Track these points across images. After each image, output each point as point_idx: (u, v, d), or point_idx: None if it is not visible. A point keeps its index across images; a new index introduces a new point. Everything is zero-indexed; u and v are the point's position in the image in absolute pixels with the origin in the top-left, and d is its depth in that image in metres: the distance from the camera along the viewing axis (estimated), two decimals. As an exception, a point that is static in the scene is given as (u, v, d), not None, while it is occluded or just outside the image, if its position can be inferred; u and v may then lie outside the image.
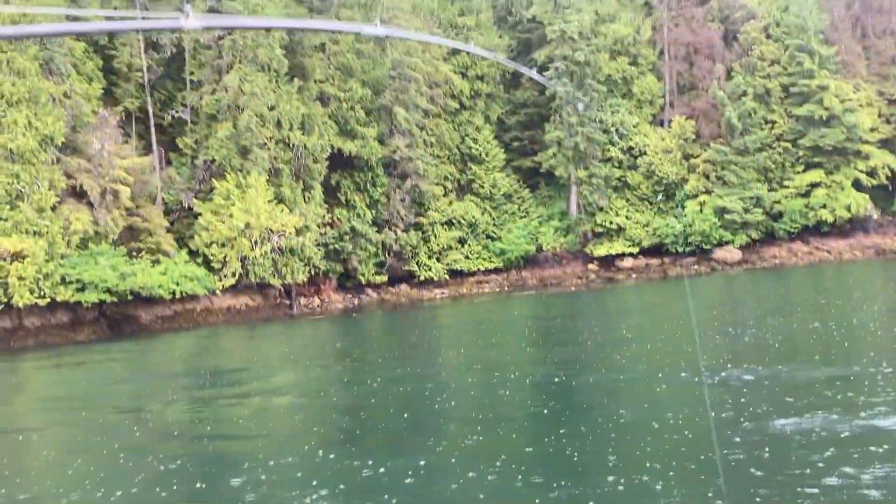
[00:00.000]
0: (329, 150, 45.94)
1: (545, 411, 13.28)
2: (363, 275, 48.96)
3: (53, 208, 35.57)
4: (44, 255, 34.16)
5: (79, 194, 37.40)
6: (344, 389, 17.61)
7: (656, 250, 53.96)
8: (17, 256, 33.59)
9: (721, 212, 51.62)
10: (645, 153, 54.38)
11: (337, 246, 47.16)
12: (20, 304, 33.69)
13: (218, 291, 40.60)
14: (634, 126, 54.99)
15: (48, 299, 34.49)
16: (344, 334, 32.92)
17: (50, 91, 36.40)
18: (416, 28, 51.87)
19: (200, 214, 41.22)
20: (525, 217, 55.77)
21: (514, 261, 53.72)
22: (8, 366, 28.40)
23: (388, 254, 50.06)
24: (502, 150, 56.50)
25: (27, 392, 22.18)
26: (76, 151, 37.78)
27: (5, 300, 33.49)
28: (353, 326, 36.33)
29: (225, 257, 40.46)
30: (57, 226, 35.18)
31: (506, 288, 51.01)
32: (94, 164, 37.76)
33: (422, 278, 51.76)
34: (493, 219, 54.98)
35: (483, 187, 55.17)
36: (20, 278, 33.50)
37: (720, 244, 52.44)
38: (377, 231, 49.19)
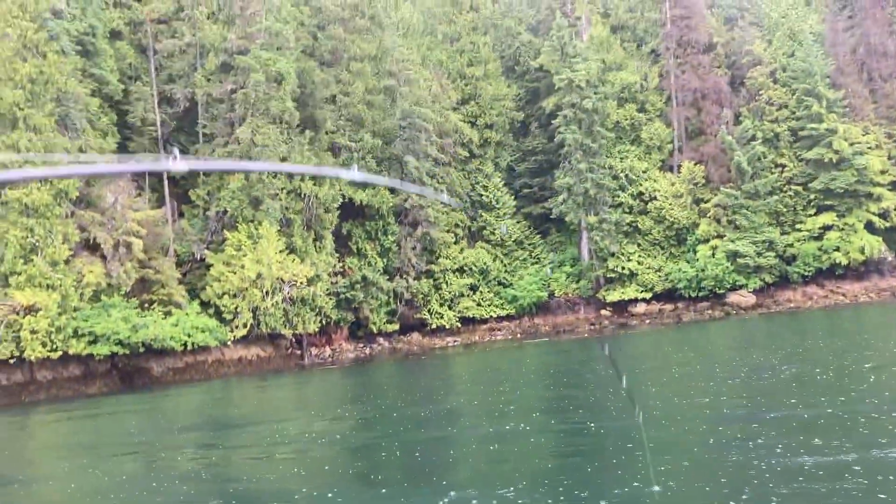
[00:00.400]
0: (340, 200, 46.26)
1: (557, 458, 13.02)
2: (374, 323, 48.81)
3: (67, 262, 35.81)
4: (57, 308, 34.30)
5: (92, 247, 37.71)
6: (356, 436, 17.38)
7: (669, 295, 53.61)
8: (31, 310, 33.76)
9: (733, 256, 51.36)
10: (655, 198, 54.45)
11: (348, 295, 47.13)
12: (32, 358, 33.73)
13: (229, 342, 40.52)
14: (644, 171, 55.18)
15: (60, 352, 34.51)
16: (355, 384, 32.66)
17: (65, 146, 36.93)
18: (425, 79, 52.68)
19: (212, 265, 41.39)
20: (537, 263, 55.72)
21: (526, 307, 53.48)
22: (20, 419, 28.26)
23: (400, 302, 49.97)
24: (512, 197, 56.78)
25: (40, 444, 22.02)
26: (90, 205, 38.21)
27: (18, 354, 33.54)
28: (365, 376, 36.07)
29: (236, 308, 40.48)
30: (70, 279, 35.38)
31: (518, 335, 50.66)
32: (107, 218, 38.13)
33: (433, 326, 51.57)
34: (505, 265, 54.97)
35: (494, 234, 55.26)
36: (33, 332, 33.60)
37: (733, 288, 52.04)
38: (388, 279, 49.18)
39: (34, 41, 36.85)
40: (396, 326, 49.92)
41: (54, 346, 34.23)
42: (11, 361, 33.65)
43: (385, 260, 49.66)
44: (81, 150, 38.04)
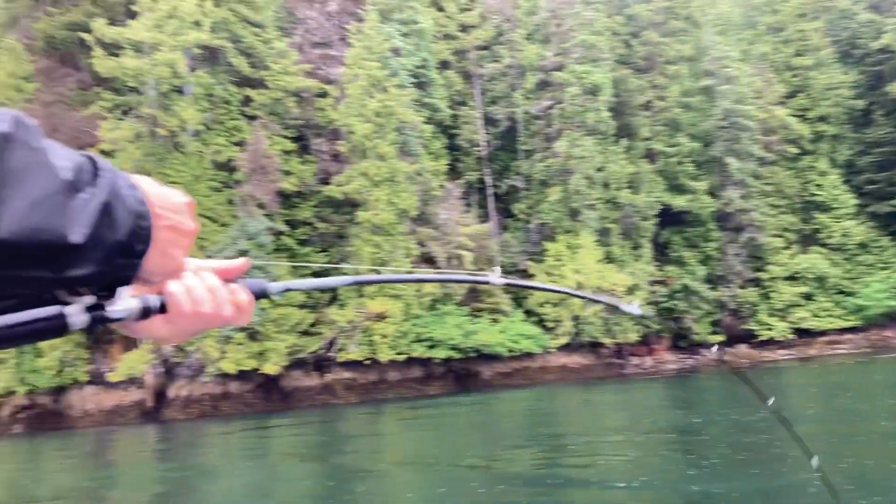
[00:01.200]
0: (658, 207, 45.44)
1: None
2: (698, 334, 46.98)
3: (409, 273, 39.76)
4: (401, 315, 38.27)
5: (428, 260, 41.45)
6: (683, 438, 17.03)
7: None
8: (381, 317, 38.10)
9: None
10: None
11: (669, 304, 46.03)
12: (383, 360, 37.99)
13: (552, 350, 41.83)
14: None
15: (405, 355, 38.42)
16: (679, 395, 31.77)
17: (404, 170, 41.13)
18: (747, 75, 49.68)
19: (534, 276, 43.10)
20: (886, 269, 49.39)
21: (874, 318, 47.63)
22: (375, 415, 32.01)
23: (724, 312, 47.54)
24: (853, 196, 51.07)
25: (403, 435, 24.79)
26: (426, 222, 42.03)
27: (371, 356, 38.03)
28: (689, 388, 34.90)
29: (558, 316, 41.67)
30: (412, 289, 39.23)
31: (866, 349, 45.29)
32: (440, 233, 41.67)
33: (763, 338, 48.16)
34: (846, 272, 49.53)
35: (831, 237, 50.15)
36: (383, 336, 37.86)
37: None
38: (711, 288, 47.10)
39: (378, 79, 41.59)
40: (722, 337, 47.52)
41: (400, 350, 38.20)
42: (366, 363, 38.24)
43: (707, 268, 47.65)
44: (419, 173, 42.08)
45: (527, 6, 47.21)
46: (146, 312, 1.12)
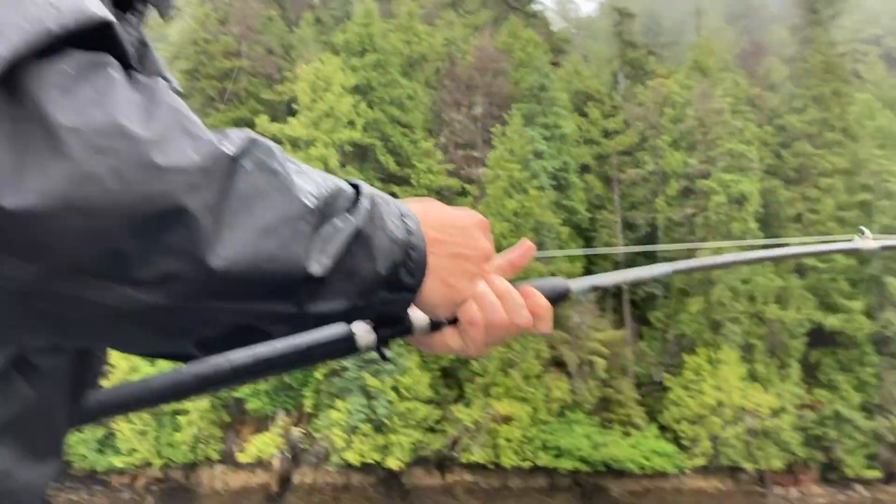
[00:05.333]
0: (808, 326, 42.61)
1: None
2: (850, 467, 42.80)
3: (538, 377, 38.83)
4: (528, 420, 37.17)
5: (559, 364, 40.40)
6: None
7: None
8: (507, 420, 37.16)
9: None
10: None
11: (818, 432, 42.37)
12: (507, 465, 36.81)
13: (687, 471, 39.23)
14: None
15: (530, 463, 37.07)
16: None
17: (539, 271, 40.71)
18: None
19: (670, 389, 41.03)
20: None
21: None
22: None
23: (882, 444, 43.19)
24: None
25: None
26: (558, 325, 41.16)
27: (495, 460, 36.95)
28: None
29: (695, 435, 39.23)
30: (540, 393, 38.19)
31: None
32: (573, 336, 40.65)
33: (930, 479, 43.27)
34: None
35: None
36: (508, 440, 36.80)
37: None
38: (867, 417, 43.07)
39: (519, 180, 42.02)
40: (878, 474, 43.06)
41: (525, 457, 36.92)
42: (489, 467, 37.17)
43: (863, 395, 43.75)
44: (553, 274, 41.55)
45: (672, 114, 46.83)
46: (435, 325, 1.09)
